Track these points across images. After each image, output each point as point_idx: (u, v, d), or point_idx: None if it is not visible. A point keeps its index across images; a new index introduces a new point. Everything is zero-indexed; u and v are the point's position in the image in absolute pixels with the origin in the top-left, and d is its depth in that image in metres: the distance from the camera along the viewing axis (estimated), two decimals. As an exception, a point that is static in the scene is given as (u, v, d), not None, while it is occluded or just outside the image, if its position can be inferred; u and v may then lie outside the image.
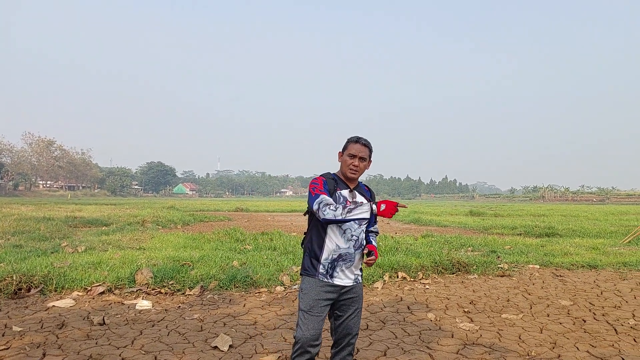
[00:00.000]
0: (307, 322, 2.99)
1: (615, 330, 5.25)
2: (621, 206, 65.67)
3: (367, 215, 2.92)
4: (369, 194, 3.26)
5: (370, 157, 3.19)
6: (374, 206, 2.96)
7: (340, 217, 2.89)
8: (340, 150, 3.19)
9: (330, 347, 3.34)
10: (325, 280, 3.02)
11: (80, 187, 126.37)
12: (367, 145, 3.14)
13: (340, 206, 2.92)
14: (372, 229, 3.32)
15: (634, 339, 4.92)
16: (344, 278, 3.06)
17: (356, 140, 3.14)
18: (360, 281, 3.17)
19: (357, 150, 3.10)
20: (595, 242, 13.73)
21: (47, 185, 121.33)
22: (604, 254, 11.34)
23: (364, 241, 3.16)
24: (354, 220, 2.95)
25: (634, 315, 5.88)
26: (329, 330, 3.31)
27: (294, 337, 3.02)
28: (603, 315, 5.90)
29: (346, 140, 3.19)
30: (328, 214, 2.89)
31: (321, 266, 3.03)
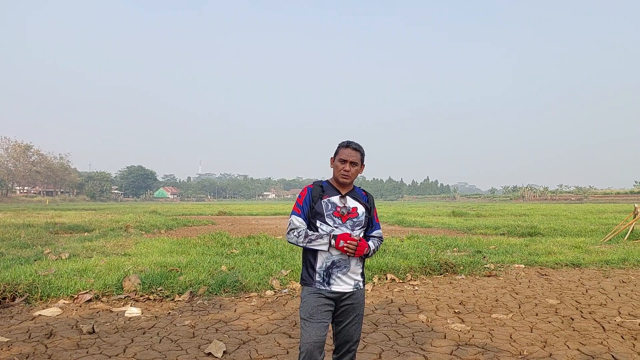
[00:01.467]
0: (309, 329, 2.95)
1: (603, 327, 5.35)
2: (599, 205, 66.90)
3: (324, 248, 2.94)
4: (365, 199, 3.21)
5: (362, 161, 3.14)
6: (333, 241, 2.93)
7: (301, 244, 2.99)
8: (332, 156, 3.15)
9: (332, 353, 3.33)
10: (323, 288, 3.00)
11: (59, 193, 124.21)
12: (358, 149, 3.10)
13: (304, 234, 2.96)
14: (373, 234, 3.24)
15: (622, 336, 5.02)
16: (342, 284, 3.02)
17: (347, 144, 3.10)
18: (362, 287, 3.12)
19: (348, 154, 3.06)
20: (577, 241, 13.98)
21: (25, 191, 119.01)
22: (586, 252, 11.55)
23: None
24: (313, 249, 2.97)
25: (619, 313, 6.00)
26: (332, 336, 3.30)
27: (300, 348, 3.00)
28: (590, 313, 6.01)
29: (337, 145, 3.15)
30: (291, 238, 3.02)
31: (317, 275, 3.01)
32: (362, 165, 3.16)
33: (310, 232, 2.99)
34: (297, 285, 7.43)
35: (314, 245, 2.95)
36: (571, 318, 5.77)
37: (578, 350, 4.60)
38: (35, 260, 9.33)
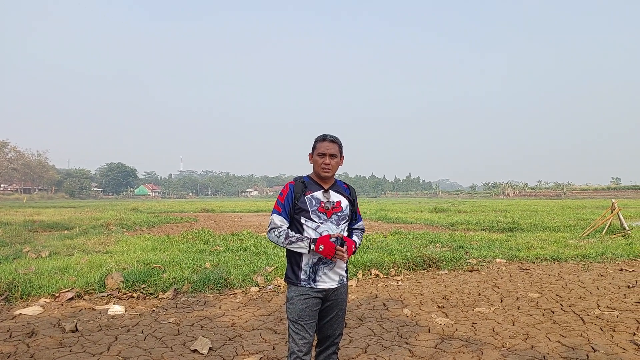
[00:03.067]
0: (298, 331, 2.95)
1: (582, 320, 5.47)
2: (577, 200, 68.18)
3: (304, 251, 2.92)
4: (347, 191, 3.19)
5: (341, 152, 3.13)
6: (313, 245, 2.90)
7: (281, 245, 2.96)
8: (310, 152, 3.14)
9: (315, 346, 3.34)
10: (309, 285, 2.98)
11: (37, 190, 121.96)
12: (335, 141, 3.09)
13: (284, 234, 2.93)
14: (356, 226, 3.27)
15: (601, 328, 5.14)
16: (328, 281, 3.00)
17: (323, 138, 3.08)
18: (345, 282, 3.13)
19: (326, 148, 3.05)
20: (557, 236, 14.23)
21: (1, 189, 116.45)
22: (565, 247, 11.78)
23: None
24: (293, 249, 2.94)
25: (598, 305, 6.13)
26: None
27: (289, 349, 2.99)
28: (570, 306, 6.13)
29: (314, 140, 3.13)
30: (272, 237, 2.98)
31: (302, 272, 2.98)
32: (342, 156, 3.15)
33: (291, 233, 2.95)
34: (282, 281, 7.43)
35: (294, 248, 2.92)
36: (552, 311, 5.88)
37: (559, 342, 4.70)
38: (14, 259, 9.18)
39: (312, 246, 2.89)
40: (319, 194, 3.04)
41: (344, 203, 3.10)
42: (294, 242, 2.91)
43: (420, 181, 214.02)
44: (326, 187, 3.09)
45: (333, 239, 2.94)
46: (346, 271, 3.14)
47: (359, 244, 3.19)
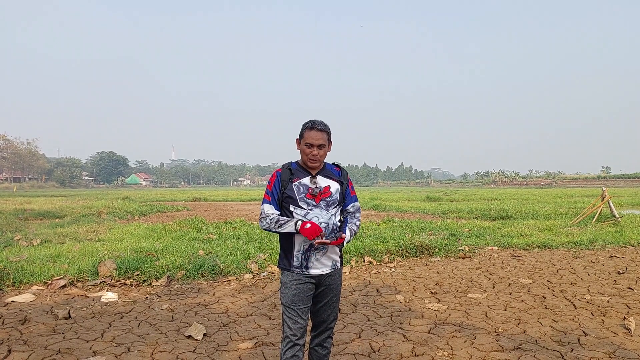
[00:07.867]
0: (291, 316, 2.95)
1: (573, 305, 5.53)
2: (567, 189, 68.72)
3: (292, 230, 2.91)
4: (338, 174, 3.12)
5: (329, 140, 3.03)
6: (299, 224, 2.88)
7: (273, 230, 2.96)
8: (297, 137, 3.04)
9: (310, 331, 3.34)
10: (301, 272, 2.96)
11: (27, 179, 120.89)
12: (323, 129, 2.96)
13: (275, 219, 2.93)
14: (348, 207, 3.16)
15: (592, 313, 5.20)
16: (320, 267, 2.98)
17: (311, 126, 2.95)
18: (339, 267, 3.10)
19: (314, 138, 2.94)
20: (548, 224, 14.34)
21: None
22: (556, 234, 11.88)
23: (338, 225, 3.08)
24: (291, 232, 2.93)
25: (589, 291, 6.20)
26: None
27: (283, 334, 2.98)
28: (561, 291, 6.20)
29: (301, 126, 3.02)
30: (264, 225, 2.98)
31: (295, 259, 2.96)
32: (330, 143, 3.05)
33: (281, 218, 2.93)
34: (276, 268, 7.44)
35: (283, 229, 2.91)
36: (543, 296, 5.94)
37: (551, 326, 4.75)
38: (5, 247, 9.11)
39: (299, 224, 2.87)
40: (306, 180, 2.99)
41: (334, 187, 3.04)
42: (283, 224, 2.91)
43: (413, 170, 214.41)
44: (314, 172, 3.04)
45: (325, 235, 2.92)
46: (340, 256, 3.13)
47: (356, 231, 3.13)
